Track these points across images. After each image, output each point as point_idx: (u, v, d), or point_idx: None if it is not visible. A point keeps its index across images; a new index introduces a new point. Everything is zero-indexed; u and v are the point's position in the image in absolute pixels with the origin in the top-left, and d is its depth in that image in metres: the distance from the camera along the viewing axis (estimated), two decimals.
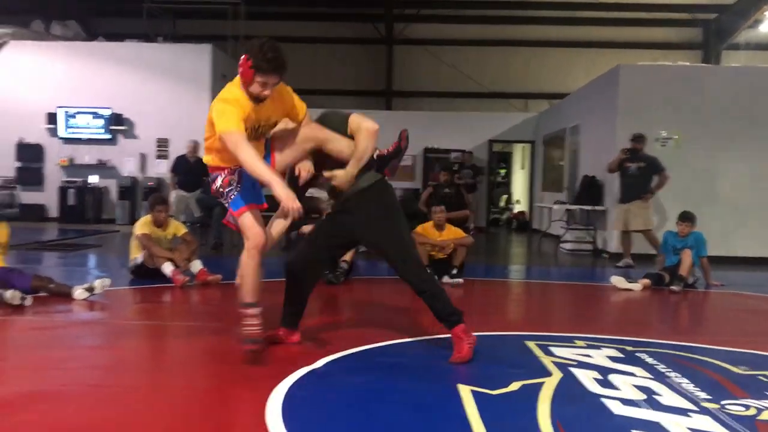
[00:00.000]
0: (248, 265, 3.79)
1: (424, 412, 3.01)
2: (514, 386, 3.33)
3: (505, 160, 19.81)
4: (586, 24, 18.23)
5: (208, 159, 3.80)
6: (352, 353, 3.96)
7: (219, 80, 14.60)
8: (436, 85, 18.74)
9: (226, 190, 3.75)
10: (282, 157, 3.82)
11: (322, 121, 3.94)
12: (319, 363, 3.70)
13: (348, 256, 6.76)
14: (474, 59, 18.69)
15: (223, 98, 3.60)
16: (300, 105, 3.85)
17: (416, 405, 3.09)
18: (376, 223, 3.89)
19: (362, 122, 3.83)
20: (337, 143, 3.83)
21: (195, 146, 10.89)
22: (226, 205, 3.80)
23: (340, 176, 3.81)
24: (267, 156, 3.80)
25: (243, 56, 3.55)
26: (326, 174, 3.83)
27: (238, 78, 3.62)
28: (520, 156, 18.59)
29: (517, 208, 17.70)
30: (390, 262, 3.96)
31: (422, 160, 15.83)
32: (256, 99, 3.58)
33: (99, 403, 3.09)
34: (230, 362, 3.85)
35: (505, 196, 18.86)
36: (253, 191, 3.82)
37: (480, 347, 3.88)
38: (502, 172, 19.96)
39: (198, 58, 14.44)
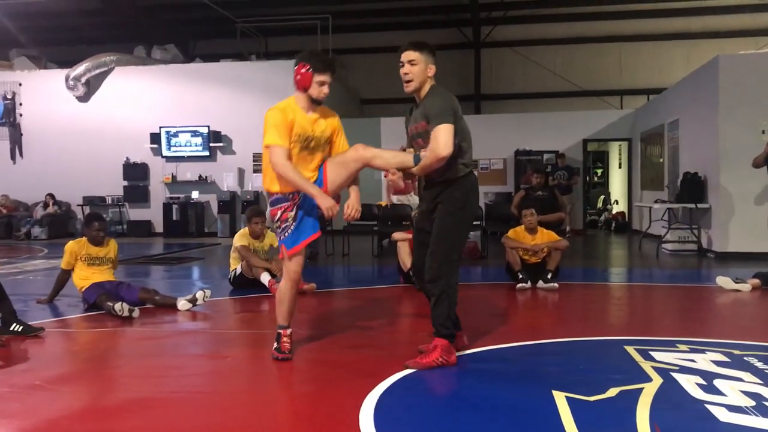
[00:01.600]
0: (286, 295, 4.09)
1: (518, 418, 2.97)
2: (612, 392, 3.23)
3: (601, 159, 19.24)
4: (682, 14, 17.51)
5: (266, 184, 4.04)
6: None
7: None
8: (525, 87, 18.49)
9: (283, 225, 3.96)
10: (333, 178, 3.99)
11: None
12: (413, 369, 3.71)
13: None
14: (564, 58, 18.32)
15: (276, 106, 3.93)
16: (343, 140, 4.18)
17: (510, 411, 3.06)
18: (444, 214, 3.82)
19: (439, 141, 3.67)
20: (381, 159, 3.93)
21: None
22: (279, 239, 4.01)
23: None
24: (319, 178, 3.99)
25: (296, 66, 3.90)
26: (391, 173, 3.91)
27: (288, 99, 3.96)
28: (616, 154, 18.03)
29: (615, 209, 17.15)
30: (431, 254, 3.79)
31: (513, 163, 15.61)
32: (316, 102, 3.95)
33: (204, 409, 3.22)
34: (325, 367, 3.94)
35: (602, 197, 18.31)
36: (309, 222, 4.00)
37: (576, 352, 3.80)
38: (599, 171, 19.39)
39: (288, 73, 14.69)
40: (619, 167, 17.69)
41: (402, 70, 3.90)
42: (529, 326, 5.38)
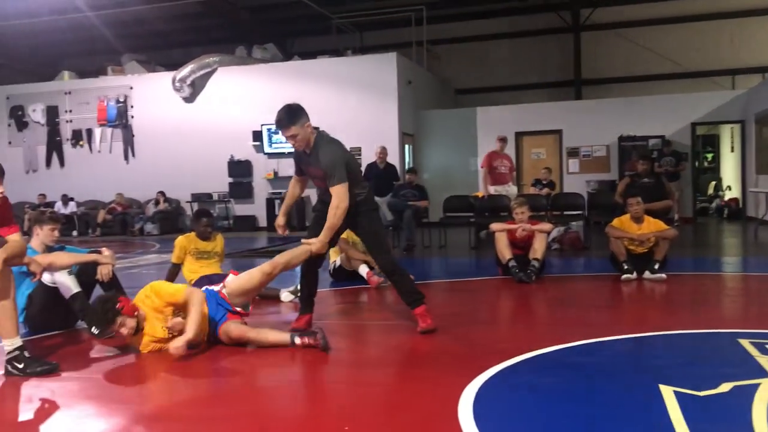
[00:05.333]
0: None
1: (622, 414, 2.87)
2: (724, 387, 3.06)
3: (712, 143, 18.28)
4: None
5: None
6: (546, 353, 3.86)
7: (404, 86, 15.01)
8: (628, 70, 17.77)
9: None
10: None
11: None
12: (512, 362, 3.66)
13: (539, 254, 6.61)
14: (670, 38, 17.46)
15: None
16: None
17: (613, 406, 2.96)
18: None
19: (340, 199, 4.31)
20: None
21: (384, 152, 11.27)
22: None
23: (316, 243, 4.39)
24: None
25: None
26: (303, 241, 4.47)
27: None
28: (728, 138, 17.05)
29: (727, 195, 16.25)
30: (378, 253, 4.64)
31: (617, 150, 15.04)
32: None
33: (309, 397, 3.32)
34: (424, 358, 3.95)
35: (713, 183, 17.40)
36: None
37: (685, 345, 3.63)
38: (709, 156, 18.44)
39: (384, 66, 14.93)
40: (732, 151, 16.72)
41: (290, 143, 4.43)
42: (635, 318, 5.19)
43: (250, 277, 4.38)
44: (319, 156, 4.38)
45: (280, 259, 4.40)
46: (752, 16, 16.83)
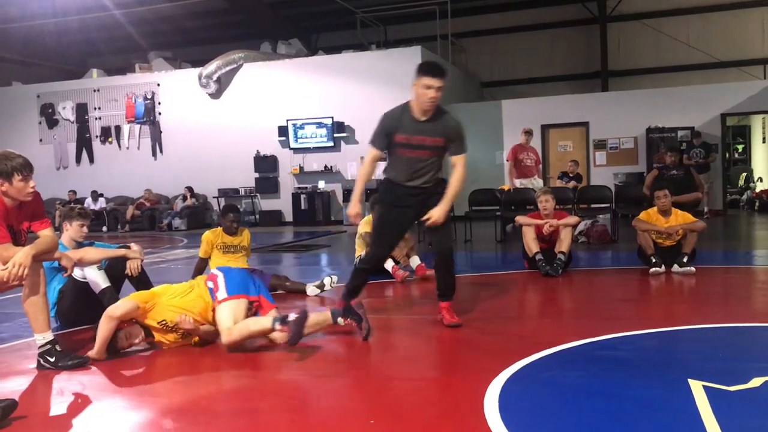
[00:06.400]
0: None
1: (650, 409, 2.83)
2: (756, 382, 3.01)
3: (742, 134, 17.97)
4: None
5: None
6: (572, 347, 3.84)
7: None
8: (656, 61, 17.52)
9: None
10: None
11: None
12: (538, 356, 3.64)
13: (565, 247, 6.56)
14: (699, 28, 17.17)
15: None
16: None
17: (641, 401, 2.92)
18: None
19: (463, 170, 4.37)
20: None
21: None
22: None
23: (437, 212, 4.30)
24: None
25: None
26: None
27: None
28: (759, 128, 16.76)
29: (759, 187, 15.97)
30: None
31: (645, 141, 14.86)
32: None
33: (335, 391, 3.33)
34: (450, 352, 3.96)
35: (744, 174, 17.11)
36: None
37: (714, 339, 3.58)
38: (740, 147, 18.14)
39: (408, 60, 14.83)
40: (763, 142, 16.44)
41: (433, 95, 4.19)
42: (663, 312, 5.13)
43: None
44: (444, 123, 4.30)
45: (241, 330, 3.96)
46: None
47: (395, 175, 4.46)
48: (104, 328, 3.82)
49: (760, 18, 16.83)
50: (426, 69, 4.20)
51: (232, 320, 3.95)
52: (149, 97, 16.97)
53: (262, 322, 3.96)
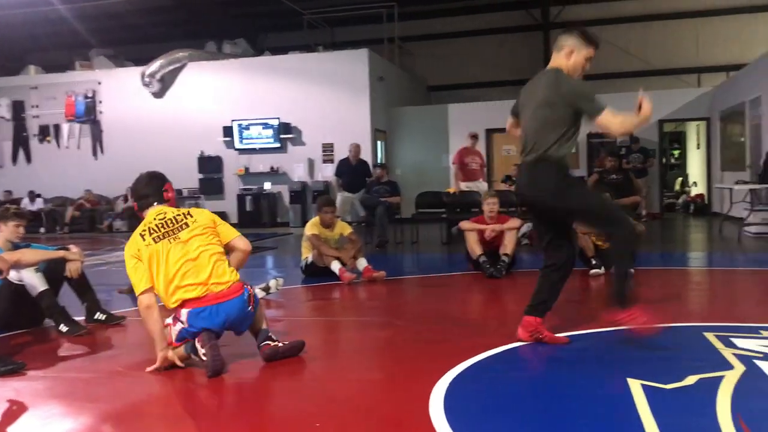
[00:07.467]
0: None
1: (591, 406, 2.91)
2: (690, 380, 3.12)
3: (678, 140, 18.57)
4: None
5: None
6: (516, 347, 3.90)
7: (376, 83, 15.01)
8: (597, 67, 17.62)
9: None
10: None
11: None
12: (482, 356, 3.69)
13: (509, 249, 6.68)
14: (637, 36, 17.69)
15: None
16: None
17: (582, 399, 3.00)
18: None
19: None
20: None
21: (357, 149, 11.26)
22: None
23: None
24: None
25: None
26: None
27: None
28: (694, 135, 17.36)
29: (694, 191, 16.54)
30: None
31: (585, 146, 15.23)
32: None
33: (279, 395, 3.31)
34: (396, 354, 3.97)
35: (680, 179, 17.69)
36: None
37: (652, 339, 3.69)
38: (676, 153, 18.74)
39: (355, 63, 14.91)
40: (698, 148, 17.03)
41: (587, 67, 3.97)
42: (603, 312, 5.25)
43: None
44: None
45: None
46: (718, 15, 17.13)
47: (567, 151, 3.86)
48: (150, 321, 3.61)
49: (694, 28, 17.45)
50: (595, 40, 3.98)
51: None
52: (90, 95, 16.53)
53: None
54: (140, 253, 3.75)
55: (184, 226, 3.81)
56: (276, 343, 3.81)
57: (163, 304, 3.73)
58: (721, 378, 3.13)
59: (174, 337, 3.67)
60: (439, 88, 19.04)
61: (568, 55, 3.91)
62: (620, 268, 3.84)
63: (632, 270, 3.91)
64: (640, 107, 3.71)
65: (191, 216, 3.87)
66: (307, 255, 7.04)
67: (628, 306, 3.69)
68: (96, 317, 4.97)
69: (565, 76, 3.84)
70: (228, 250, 3.91)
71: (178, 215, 3.87)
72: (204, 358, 3.50)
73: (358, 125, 14.51)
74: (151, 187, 4.00)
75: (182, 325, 3.64)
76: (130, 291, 6.22)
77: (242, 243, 3.97)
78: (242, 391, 3.41)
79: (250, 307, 3.74)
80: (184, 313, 3.65)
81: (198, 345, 3.56)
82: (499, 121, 15.51)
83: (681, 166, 18.43)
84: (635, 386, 3.05)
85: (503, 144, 15.96)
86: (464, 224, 7.06)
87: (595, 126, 3.78)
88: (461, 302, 5.97)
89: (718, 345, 3.77)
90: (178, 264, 3.68)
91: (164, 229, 3.81)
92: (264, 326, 3.91)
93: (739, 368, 3.29)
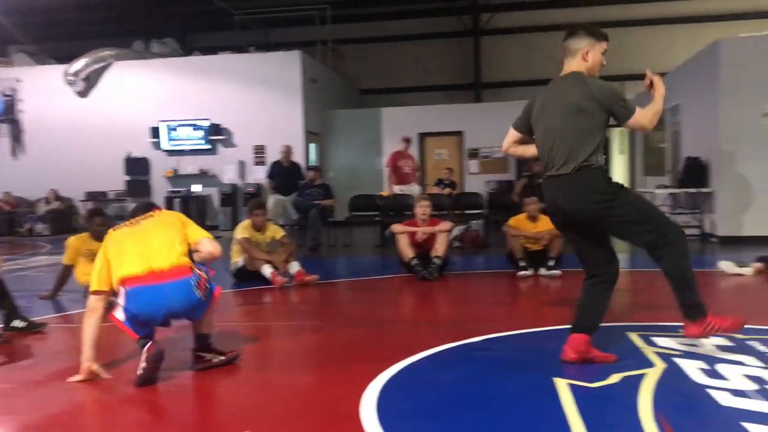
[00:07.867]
0: None
1: (519, 406, 2.97)
2: (614, 378, 3.22)
3: (603, 145, 19.16)
4: None
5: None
6: (448, 348, 3.95)
7: (308, 85, 14.93)
8: (527, 74, 18.32)
9: None
10: None
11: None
12: (414, 359, 3.72)
13: (441, 252, 6.75)
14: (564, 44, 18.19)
15: None
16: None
17: (511, 399, 3.06)
18: None
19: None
20: None
21: (288, 151, 11.17)
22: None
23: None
24: None
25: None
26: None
27: None
28: (618, 140, 17.97)
29: None
30: None
31: None
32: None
33: (209, 401, 3.24)
34: (327, 358, 3.95)
35: None
36: None
37: None
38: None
39: (287, 64, 14.79)
40: (621, 153, 17.63)
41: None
42: (531, 314, 5.38)
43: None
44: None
45: None
46: (641, 26, 17.80)
47: (603, 159, 3.77)
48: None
49: (619, 38, 17.94)
50: (604, 33, 3.91)
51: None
52: (9, 93, 15.83)
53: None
54: (106, 247, 3.69)
55: (149, 218, 3.81)
56: (211, 359, 3.69)
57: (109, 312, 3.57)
58: (642, 376, 3.25)
59: (121, 318, 3.49)
60: (372, 91, 19.10)
61: (585, 56, 3.80)
62: (687, 276, 3.64)
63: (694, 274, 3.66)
64: (651, 86, 3.72)
65: (159, 212, 3.90)
66: (238, 259, 6.93)
67: (705, 313, 3.51)
68: (14, 325, 4.75)
69: (593, 80, 3.71)
70: (194, 250, 3.79)
71: (149, 213, 3.88)
72: (142, 366, 3.37)
73: (290, 127, 14.39)
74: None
75: (121, 306, 3.47)
76: (52, 296, 6.02)
77: (209, 245, 3.81)
78: (169, 400, 3.32)
79: (199, 294, 3.52)
80: (122, 292, 3.47)
81: (143, 354, 3.40)
82: (431, 125, 15.86)
83: (605, 171, 19.03)
84: (562, 385, 3.13)
85: (435, 148, 16.14)
86: (396, 227, 7.10)
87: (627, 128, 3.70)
88: (394, 305, 6.00)
89: (640, 344, 3.91)
90: (129, 244, 3.62)
91: (131, 222, 3.81)
92: (205, 331, 3.77)
93: (660, 366, 3.42)
